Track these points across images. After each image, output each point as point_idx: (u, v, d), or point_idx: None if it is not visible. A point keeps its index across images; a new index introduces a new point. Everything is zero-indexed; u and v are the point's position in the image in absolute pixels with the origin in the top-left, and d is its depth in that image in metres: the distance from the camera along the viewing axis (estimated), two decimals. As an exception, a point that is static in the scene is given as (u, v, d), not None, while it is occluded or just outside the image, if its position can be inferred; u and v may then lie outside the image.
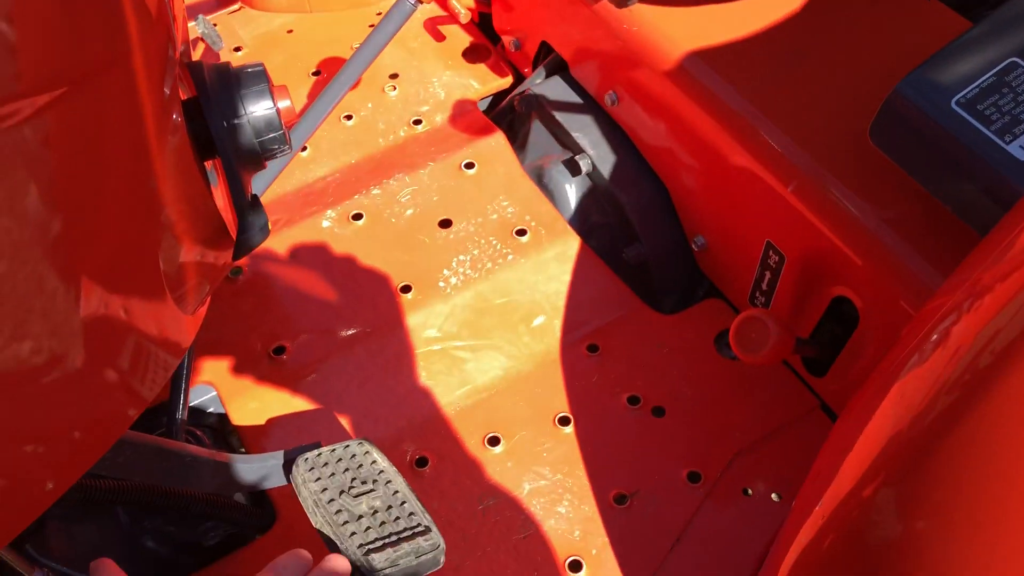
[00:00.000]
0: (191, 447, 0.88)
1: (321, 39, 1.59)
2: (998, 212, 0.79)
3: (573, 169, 1.32)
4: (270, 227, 0.72)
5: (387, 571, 0.77)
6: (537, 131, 1.41)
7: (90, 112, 0.49)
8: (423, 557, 0.79)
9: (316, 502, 0.83)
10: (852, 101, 1.03)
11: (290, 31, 1.61)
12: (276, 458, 0.91)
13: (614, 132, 1.31)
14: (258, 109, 0.64)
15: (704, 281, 1.31)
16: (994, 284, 0.63)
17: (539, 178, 1.36)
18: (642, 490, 1.06)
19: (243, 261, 1.26)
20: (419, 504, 0.84)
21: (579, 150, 1.31)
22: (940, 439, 0.57)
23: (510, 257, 1.26)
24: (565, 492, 1.06)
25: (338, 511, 0.82)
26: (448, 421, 1.12)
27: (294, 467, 0.87)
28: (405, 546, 0.80)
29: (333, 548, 0.80)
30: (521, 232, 1.28)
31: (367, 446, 0.89)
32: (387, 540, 0.80)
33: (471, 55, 1.57)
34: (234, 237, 0.70)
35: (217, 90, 0.63)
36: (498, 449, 1.09)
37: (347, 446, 0.89)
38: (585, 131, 1.32)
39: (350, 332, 1.19)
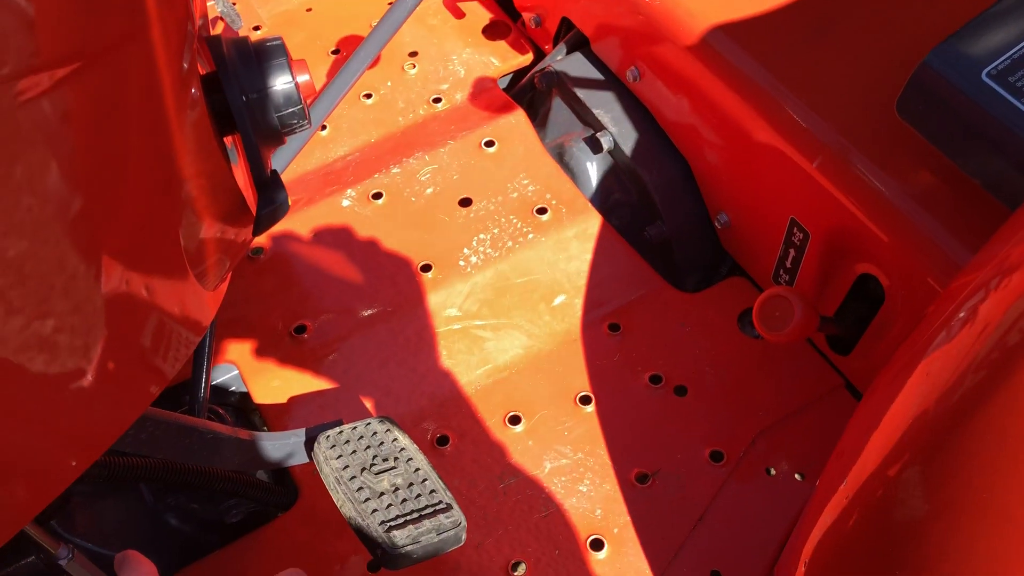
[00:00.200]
0: (213, 424, 0.89)
1: (340, 17, 1.58)
2: (1029, 186, 0.77)
3: (594, 147, 1.31)
4: (289, 202, 0.72)
5: (408, 548, 0.77)
6: (558, 108, 1.39)
7: (108, 86, 0.49)
8: (444, 534, 0.79)
9: (338, 479, 0.83)
10: (879, 74, 1.02)
11: (309, 9, 1.60)
12: (298, 436, 0.91)
13: (636, 109, 1.29)
14: (277, 83, 0.64)
15: (727, 259, 1.30)
16: (1022, 261, 0.61)
17: (560, 156, 1.34)
18: (664, 469, 1.05)
19: (264, 240, 1.26)
20: (440, 482, 0.84)
21: (600, 127, 1.30)
22: (967, 418, 0.56)
23: (530, 236, 1.25)
24: (586, 471, 1.05)
25: (359, 488, 0.82)
26: (469, 400, 1.12)
27: (316, 445, 0.87)
28: (426, 523, 0.80)
29: (355, 525, 0.80)
30: (542, 211, 1.28)
31: (388, 424, 0.89)
32: (408, 517, 0.80)
33: (491, 32, 1.56)
34: (254, 213, 0.70)
35: (236, 64, 0.63)
36: (519, 428, 1.09)
37: (368, 424, 0.89)
38: (606, 108, 1.31)
39: (371, 311, 1.19)
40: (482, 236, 1.25)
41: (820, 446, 1.07)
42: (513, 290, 1.21)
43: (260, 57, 0.64)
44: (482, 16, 1.57)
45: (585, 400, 1.11)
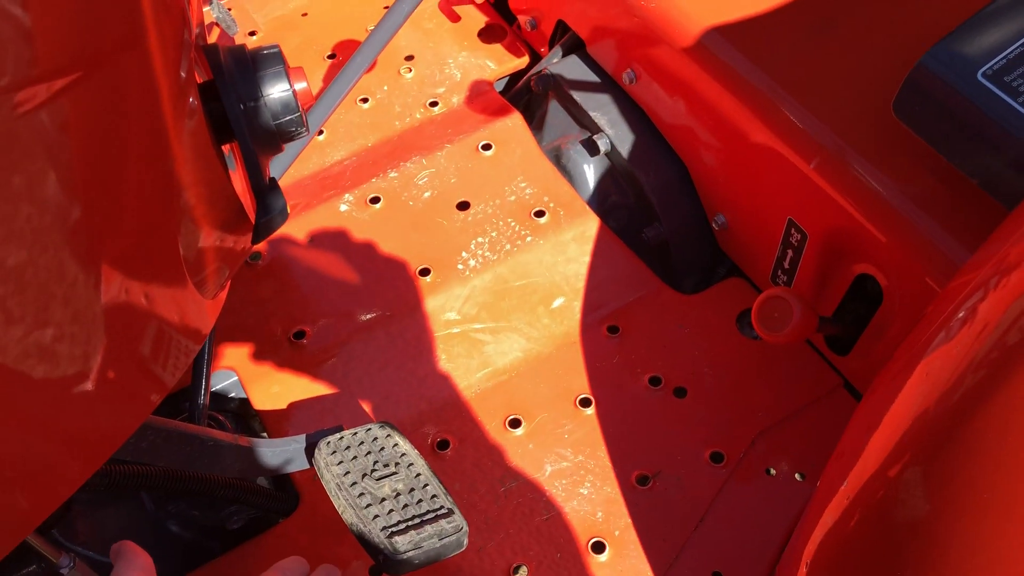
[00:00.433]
0: (213, 432, 0.89)
1: (336, 21, 1.58)
2: (1026, 186, 0.77)
3: (591, 149, 1.31)
4: (288, 210, 0.72)
5: (410, 553, 0.77)
6: (554, 111, 1.39)
7: (106, 96, 0.49)
8: (446, 539, 0.79)
9: (339, 485, 0.83)
10: (875, 75, 1.02)
11: (304, 14, 1.60)
12: (298, 442, 0.91)
13: (632, 111, 1.29)
14: (275, 91, 0.64)
15: (725, 260, 1.30)
16: (1022, 260, 0.61)
17: (557, 159, 1.35)
18: (664, 471, 1.05)
19: (262, 246, 1.26)
20: (441, 487, 0.84)
21: (597, 130, 1.30)
22: (967, 418, 0.56)
23: (529, 239, 1.25)
24: (587, 473, 1.05)
25: (361, 494, 0.82)
26: (469, 404, 1.12)
27: (316, 451, 0.87)
28: (428, 528, 0.80)
29: (356, 531, 0.80)
30: (539, 213, 1.28)
31: (388, 429, 0.89)
32: (410, 523, 0.80)
33: (487, 35, 1.56)
34: (253, 221, 0.70)
35: (233, 72, 0.63)
36: (519, 431, 1.09)
37: (369, 429, 0.89)
38: (603, 110, 1.31)
39: (369, 316, 1.19)
40: (480, 239, 1.26)
41: (820, 446, 1.07)
42: (512, 293, 1.21)
43: (257, 65, 0.64)
44: (477, 19, 1.57)
45: (585, 402, 1.11)
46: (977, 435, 0.55)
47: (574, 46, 1.39)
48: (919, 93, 0.85)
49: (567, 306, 1.20)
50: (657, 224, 1.26)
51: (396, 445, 0.87)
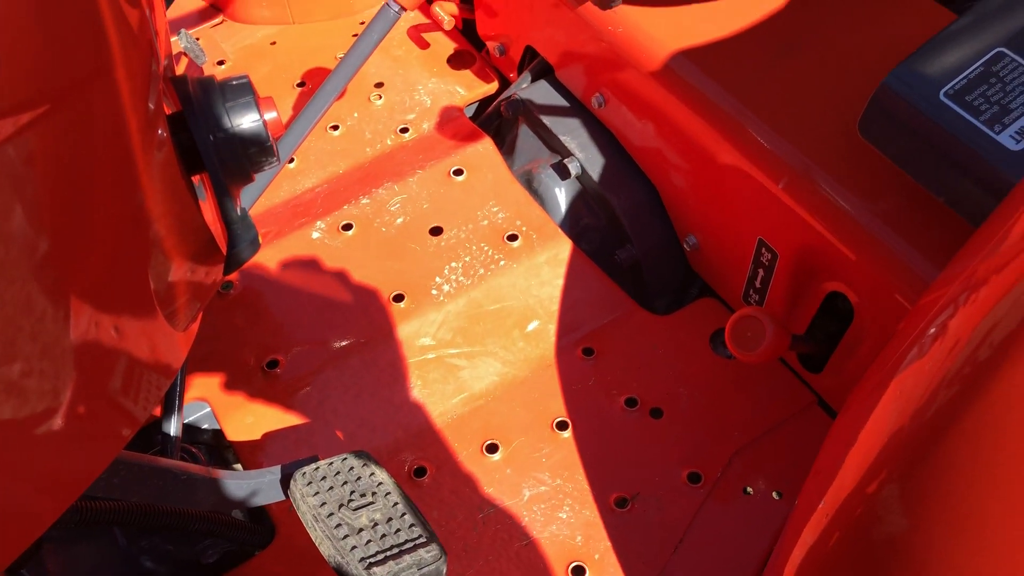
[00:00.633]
0: (186, 465, 0.87)
1: (305, 50, 1.58)
2: (990, 202, 0.78)
3: (562, 173, 1.32)
4: (260, 240, 0.72)
5: (389, 584, 0.76)
6: (525, 136, 1.40)
7: (73, 129, 0.48)
8: (425, 569, 0.79)
9: (315, 517, 0.82)
10: (840, 96, 1.03)
11: (273, 43, 1.60)
12: (273, 473, 0.90)
13: (602, 134, 1.30)
14: (244, 121, 0.64)
15: (697, 280, 1.31)
16: (990, 276, 0.62)
17: (528, 183, 1.35)
18: (642, 493, 1.05)
19: (234, 275, 1.25)
20: (419, 515, 0.83)
21: (567, 153, 1.31)
22: (942, 434, 0.56)
23: (502, 262, 1.25)
24: (565, 497, 1.05)
25: (338, 525, 0.81)
26: (445, 430, 1.11)
27: (292, 482, 0.86)
28: (407, 558, 0.79)
29: (335, 563, 0.79)
30: (512, 237, 1.28)
31: (364, 458, 0.88)
32: (389, 553, 0.79)
33: (456, 61, 1.57)
34: (224, 252, 0.69)
35: (202, 103, 0.63)
36: (496, 456, 1.09)
37: (345, 459, 0.88)
38: (573, 134, 1.32)
39: (343, 343, 1.18)
40: (454, 264, 1.25)
41: (796, 464, 1.07)
42: (486, 317, 1.21)
43: (227, 95, 0.63)
44: (446, 46, 1.58)
45: (562, 425, 1.11)
46: (952, 451, 0.56)
47: (543, 71, 1.40)
48: (884, 113, 0.86)
49: (542, 329, 1.20)
50: (629, 246, 1.27)
51: (372, 474, 0.87)
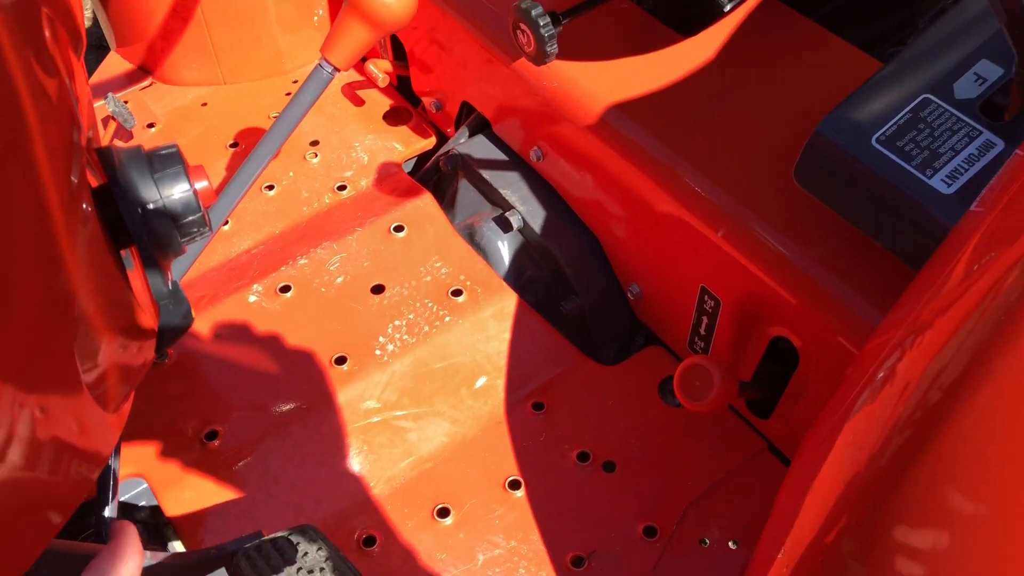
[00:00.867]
0: (122, 549, 0.83)
1: (237, 110, 1.56)
2: (927, 245, 0.80)
3: (504, 226, 1.31)
4: (193, 314, 0.69)
5: (341, 666, 0.73)
6: (465, 190, 1.39)
7: (-11, 209, 0.46)
8: (378, 647, 0.75)
9: (260, 598, 0.78)
10: (774, 144, 1.05)
11: (204, 104, 1.58)
12: (216, 551, 0.86)
13: (542, 187, 1.30)
14: (174, 192, 0.61)
15: (643, 329, 1.31)
16: (934, 319, 0.63)
17: (471, 237, 1.34)
18: (599, 550, 1.03)
19: (168, 343, 1.21)
20: (370, 589, 0.80)
21: (508, 206, 1.30)
22: (898, 480, 0.56)
23: (447, 319, 1.24)
24: (521, 559, 1.02)
25: (285, 605, 0.77)
26: (394, 496, 1.08)
27: (235, 562, 0.82)
28: (358, 637, 0.75)
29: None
30: (457, 292, 1.26)
31: (311, 532, 0.85)
32: (339, 633, 0.75)
33: (392, 118, 1.56)
34: (155, 328, 0.66)
35: (129, 175, 0.60)
36: (448, 520, 1.06)
37: (289, 534, 0.84)
38: (513, 187, 1.31)
39: (285, 410, 1.15)
40: (397, 323, 1.23)
41: (750, 512, 1.07)
42: (433, 376, 1.19)
43: (155, 166, 0.61)
44: (382, 103, 1.58)
45: (514, 485, 1.09)
46: (908, 498, 0.55)
47: (480, 126, 1.40)
48: (819, 160, 0.87)
49: (490, 385, 1.19)
50: (574, 297, 1.27)
51: (320, 549, 0.83)
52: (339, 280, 1.29)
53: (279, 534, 0.84)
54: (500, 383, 1.19)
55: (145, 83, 1.62)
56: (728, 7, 1.17)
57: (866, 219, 0.87)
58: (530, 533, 1.04)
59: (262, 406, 1.15)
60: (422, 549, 1.03)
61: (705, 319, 1.12)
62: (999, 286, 0.56)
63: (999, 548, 0.50)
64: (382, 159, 1.48)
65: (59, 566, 0.66)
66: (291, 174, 1.45)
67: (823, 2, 1.24)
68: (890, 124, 0.84)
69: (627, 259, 1.23)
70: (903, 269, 0.85)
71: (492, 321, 1.24)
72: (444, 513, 1.06)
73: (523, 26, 1.07)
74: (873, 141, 0.84)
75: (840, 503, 0.62)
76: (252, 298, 1.26)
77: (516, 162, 1.34)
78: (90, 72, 1.63)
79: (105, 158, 0.61)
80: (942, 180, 0.81)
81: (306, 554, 0.82)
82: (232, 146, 1.50)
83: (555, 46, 1.07)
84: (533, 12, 1.05)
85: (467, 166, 1.37)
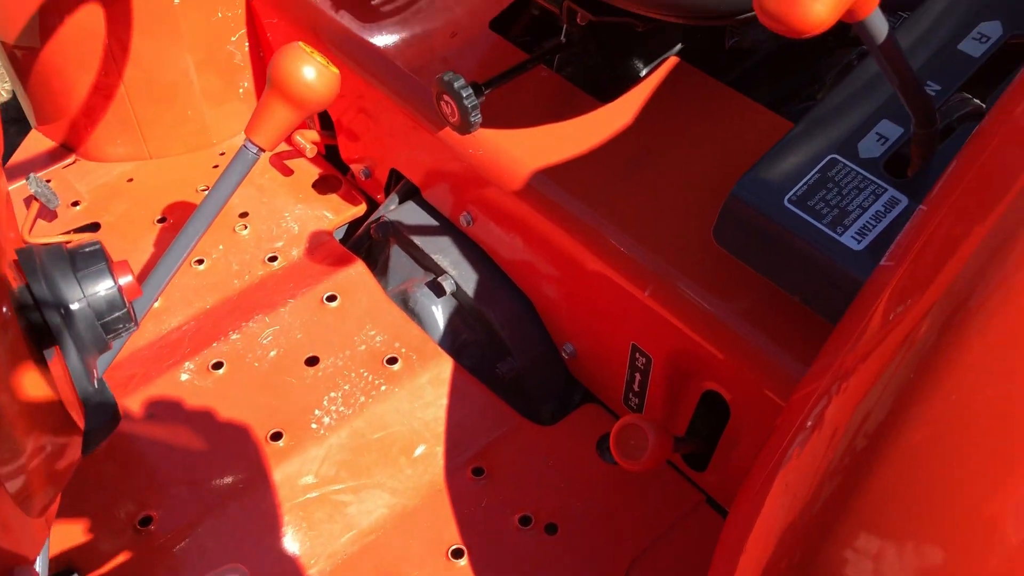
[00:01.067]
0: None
1: (164, 184, 1.55)
2: (842, 299, 0.83)
3: (437, 291, 1.32)
4: (121, 414, 0.68)
5: None
6: (397, 256, 1.40)
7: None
8: None
9: None
10: (693, 203, 1.08)
11: (130, 179, 1.56)
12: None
13: (473, 250, 1.32)
14: (98, 290, 0.61)
15: (579, 387, 1.32)
16: (856, 366, 0.65)
17: (404, 303, 1.35)
18: (545, 614, 1.03)
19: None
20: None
21: (441, 271, 1.31)
22: (831, 527, 0.58)
23: (383, 387, 1.23)
24: (467, 629, 1.02)
25: None
26: (335, 573, 1.07)
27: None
28: None
29: None
30: (392, 360, 1.26)
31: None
32: None
33: (322, 186, 1.57)
34: (82, 427, 0.65)
35: (51, 275, 0.60)
36: (392, 594, 1.05)
37: (229, 622, 0.83)
38: (445, 252, 1.33)
39: (221, 491, 1.13)
40: (333, 394, 1.23)
41: (692, 565, 1.08)
42: (371, 447, 1.18)
43: (77, 264, 0.61)
44: (311, 172, 1.58)
45: (457, 553, 1.08)
46: (841, 544, 0.57)
47: (410, 192, 1.41)
48: (735, 222, 0.90)
49: (429, 452, 1.18)
50: (510, 358, 1.28)
51: (261, 636, 0.82)
52: (272, 353, 1.28)
53: (218, 624, 0.83)
54: (439, 450, 1.19)
55: (68, 160, 1.60)
56: (643, 72, 1.21)
57: (783, 276, 0.90)
58: (475, 602, 1.04)
59: (196, 489, 1.13)
60: (367, 626, 1.02)
61: (638, 375, 1.14)
62: (914, 334, 0.58)
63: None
64: (313, 228, 1.48)
65: None
66: (221, 247, 1.44)
67: (734, 65, 1.29)
68: (801, 184, 0.88)
69: (560, 319, 1.25)
70: (822, 322, 0.88)
71: (429, 387, 1.24)
72: (388, 587, 1.05)
73: (447, 98, 1.09)
74: (785, 201, 0.87)
75: (776, 554, 0.63)
76: (184, 376, 1.25)
77: (447, 227, 1.35)
78: (11, 150, 1.61)
79: (25, 259, 0.60)
80: (852, 237, 0.85)
81: (246, 643, 0.81)
82: (160, 221, 1.49)
83: (479, 116, 1.09)
84: (456, 84, 1.07)
85: (398, 232, 1.38)
